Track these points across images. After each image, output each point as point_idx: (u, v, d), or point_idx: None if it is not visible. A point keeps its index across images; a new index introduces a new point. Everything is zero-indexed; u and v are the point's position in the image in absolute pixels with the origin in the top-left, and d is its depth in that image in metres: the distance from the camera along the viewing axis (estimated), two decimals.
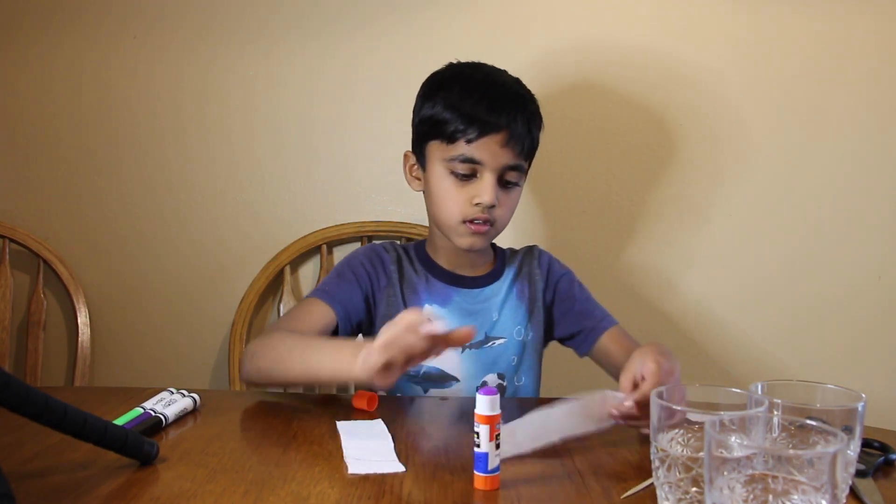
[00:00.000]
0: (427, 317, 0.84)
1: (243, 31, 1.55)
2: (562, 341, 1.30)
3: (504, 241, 1.31)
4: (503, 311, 1.25)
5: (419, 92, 1.24)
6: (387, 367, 0.86)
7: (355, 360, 0.89)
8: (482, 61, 1.24)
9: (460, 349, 1.21)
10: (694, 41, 1.54)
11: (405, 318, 0.85)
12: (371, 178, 1.58)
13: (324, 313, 1.16)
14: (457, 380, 1.20)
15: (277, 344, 1.08)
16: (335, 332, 1.16)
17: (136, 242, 1.58)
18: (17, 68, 1.55)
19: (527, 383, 1.25)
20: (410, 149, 1.25)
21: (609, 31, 1.54)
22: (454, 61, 1.25)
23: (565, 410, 0.89)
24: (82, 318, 1.52)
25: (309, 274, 1.59)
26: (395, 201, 1.58)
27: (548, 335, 1.29)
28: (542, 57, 1.51)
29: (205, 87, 1.56)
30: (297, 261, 1.57)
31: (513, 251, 1.32)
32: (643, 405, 0.85)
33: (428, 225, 1.28)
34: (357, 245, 1.57)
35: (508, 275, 1.28)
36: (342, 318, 1.17)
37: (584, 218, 1.58)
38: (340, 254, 1.58)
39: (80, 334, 1.52)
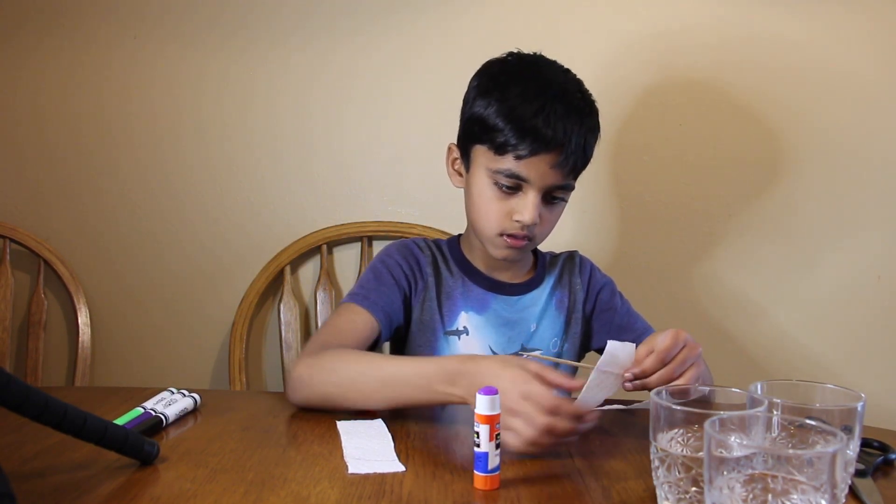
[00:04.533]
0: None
1: (243, 32, 1.55)
2: (599, 352, 1.26)
3: (564, 244, 1.28)
4: (542, 321, 1.21)
5: (473, 81, 1.16)
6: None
7: (457, 389, 0.90)
8: (542, 53, 1.17)
9: None
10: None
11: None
12: (371, 178, 1.58)
13: (368, 323, 1.10)
14: None
15: (340, 367, 0.99)
16: (377, 339, 1.12)
17: (137, 242, 1.58)
18: (17, 68, 1.55)
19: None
20: (455, 141, 1.19)
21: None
22: (514, 50, 1.17)
23: (604, 367, 0.92)
24: (82, 318, 1.53)
25: (309, 274, 1.59)
26: (395, 201, 1.58)
27: (584, 346, 1.26)
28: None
29: (204, 87, 1.56)
30: (297, 261, 1.57)
31: (553, 256, 1.28)
32: (658, 364, 0.90)
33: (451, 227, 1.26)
34: (357, 245, 1.58)
35: (548, 283, 1.24)
36: (385, 325, 1.13)
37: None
38: (340, 254, 1.59)
39: (80, 334, 1.52)
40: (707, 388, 0.77)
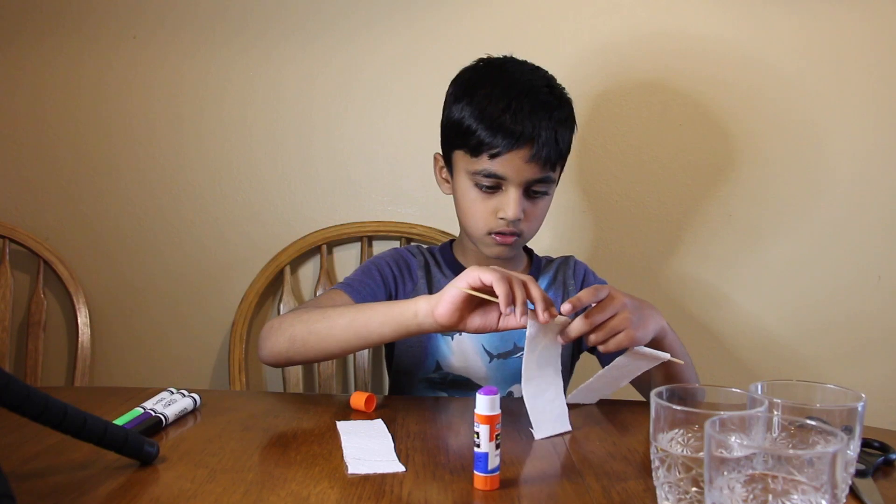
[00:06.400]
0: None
1: (243, 32, 1.55)
2: (591, 351, 1.26)
3: (546, 244, 1.28)
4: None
5: (449, 89, 1.21)
6: (465, 303, 0.91)
7: (421, 300, 0.94)
8: (501, 55, 1.21)
9: (488, 358, 1.20)
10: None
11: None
12: (371, 178, 1.58)
13: (347, 304, 1.14)
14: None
15: (309, 312, 1.05)
16: None
17: (137, 242, 1.58)
18: (17, 69, 1.55)
19: None
20: (439, 150, 1.23)
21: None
22: (485, 56, 1.21)
23: (619, 366, 0.98)
24: (82, 318, 1.52)
25: (309, 274, 1.59)
26: (395, 201, 1.58)
27: (578, 347, 1.27)
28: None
29: (205, 87, 1.56)
30: (297, 261, 1.57)
31: (549, 260, 1.31)
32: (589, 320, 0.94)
33: (439, 230, 1.27)
34: (357, 245, 1.58)
35: (542, 283, 1.26)
36: None
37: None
38: (340, 254, 1.59)
39: (80, 334, 1.52)
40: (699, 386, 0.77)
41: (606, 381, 1.03)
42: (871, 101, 1.54)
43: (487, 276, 0.89)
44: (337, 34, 1.55)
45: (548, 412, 0.94)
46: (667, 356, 0.96)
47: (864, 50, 1.53)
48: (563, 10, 1.53)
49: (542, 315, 0.89)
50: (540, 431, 0.93)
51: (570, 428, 0.95)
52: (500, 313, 0.93)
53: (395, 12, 1.54)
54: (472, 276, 0.91)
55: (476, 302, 0.93)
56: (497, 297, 0.88)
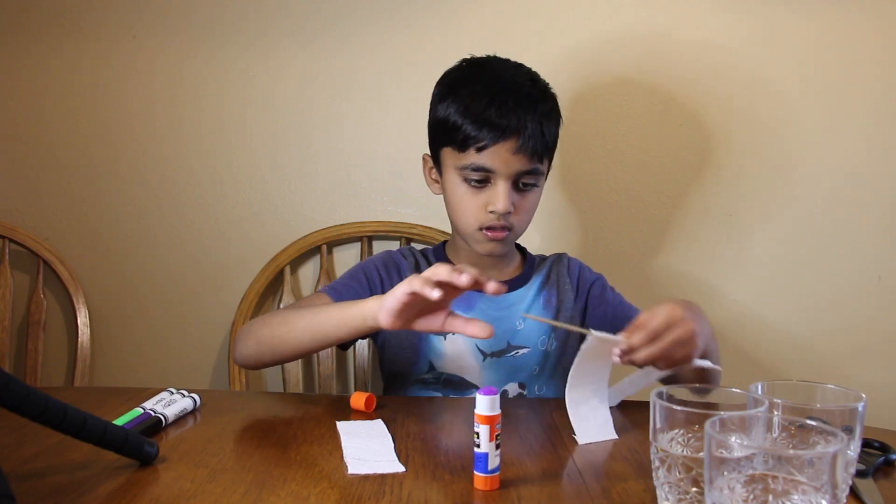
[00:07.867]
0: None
1: (243, 31, 1.55)
2: None
3: (537, 244, 1.27)
4: (528, 320, 1.22)
5: (434, 90, 1.22)
6: (406, 306, 0.89)
7: (370, 301, 0.95)
8: (496, 54, 1.22)
9: (482, 357, 1.20)
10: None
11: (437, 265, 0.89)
12: (371, 178, 1.58)
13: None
14: (477, 387, 1.18)
15: (276, 315, 1.10)
16: None
17: (137, 242, 1.58)
18: (17, 68, 1.55)
19: (548, 393, 1.22)
20: (428, 151, 1.24)
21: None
22: (468, 56, 1.22)
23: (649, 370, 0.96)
24: (82, 318, 1.52)
25: (309, 274, 1.59)
26: (395, 201, 1.58)
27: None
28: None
29: (204, 87, 1.56)
30: (297, 261, 1.57)
31: (542, 258, 1.31)
32: (647, 340, 0.89)
33: (436, 230, 1.27)
34: (357, 245, 1.58)
35: (535, 282, 1.26)
36: None
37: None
38: (340, 254, 1.59)
39: (80, 334, 1.52)
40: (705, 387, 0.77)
41: (633, 384, 1.03)
42: (871, 101, 1.54)
43: (416, 283, 0.87)
44: (337, 34, 1.55)
45: (592, 419, 0.95)
46: (707, 363, 0.94)
47: (864, 50, 1.53)
48: (564, 10, 1.53)
49: (490, 286, 0.87)
50: (584, 437, 0.93)
51: (615, 436, 0.95)
52: (445, 316, 0.93)
53: (394, 12, 1.54)
54: (399, 291, 0.89)
55: (419, 306, 0.92)
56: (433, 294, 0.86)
